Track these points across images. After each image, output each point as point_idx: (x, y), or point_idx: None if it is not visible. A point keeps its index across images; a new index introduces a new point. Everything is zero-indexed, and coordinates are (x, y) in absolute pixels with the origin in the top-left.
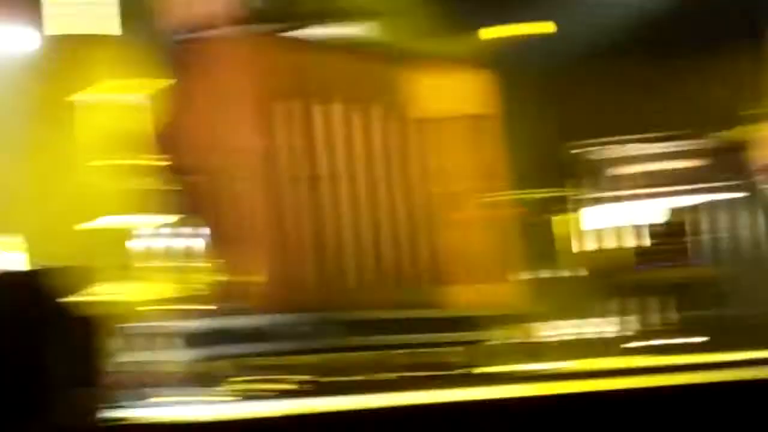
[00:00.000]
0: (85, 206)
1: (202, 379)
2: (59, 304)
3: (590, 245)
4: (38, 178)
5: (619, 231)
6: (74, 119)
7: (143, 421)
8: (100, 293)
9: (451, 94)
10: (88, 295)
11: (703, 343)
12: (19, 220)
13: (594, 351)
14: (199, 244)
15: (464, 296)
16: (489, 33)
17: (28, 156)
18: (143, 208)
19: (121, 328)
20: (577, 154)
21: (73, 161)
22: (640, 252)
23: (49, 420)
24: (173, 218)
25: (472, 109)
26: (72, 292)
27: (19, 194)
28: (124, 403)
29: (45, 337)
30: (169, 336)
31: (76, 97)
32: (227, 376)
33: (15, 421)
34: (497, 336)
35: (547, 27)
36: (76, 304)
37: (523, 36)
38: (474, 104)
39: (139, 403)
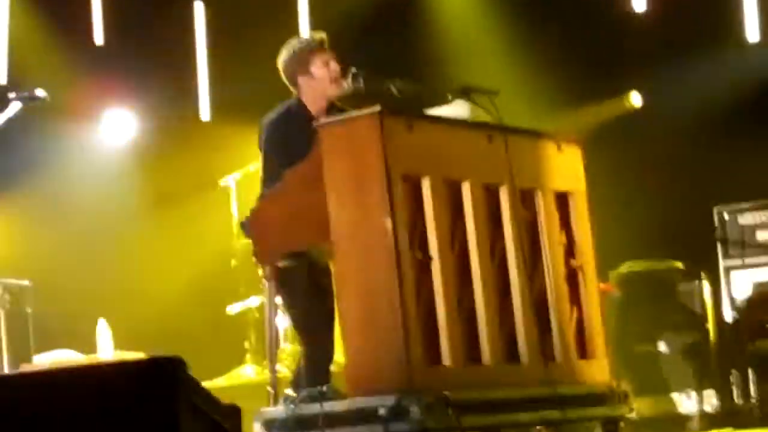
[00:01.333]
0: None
1: None
2: (193, 392)
3: (727, 315)
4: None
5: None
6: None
7: None
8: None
9: (569, 169)
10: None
11: None
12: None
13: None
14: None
15: (580, 373)
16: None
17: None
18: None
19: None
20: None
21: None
22: None
23: None
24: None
25: (580, 184)
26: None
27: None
28: None
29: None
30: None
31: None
32: None
33: None
34: (621, 411)
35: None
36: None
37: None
38: (580, 179)
39: None
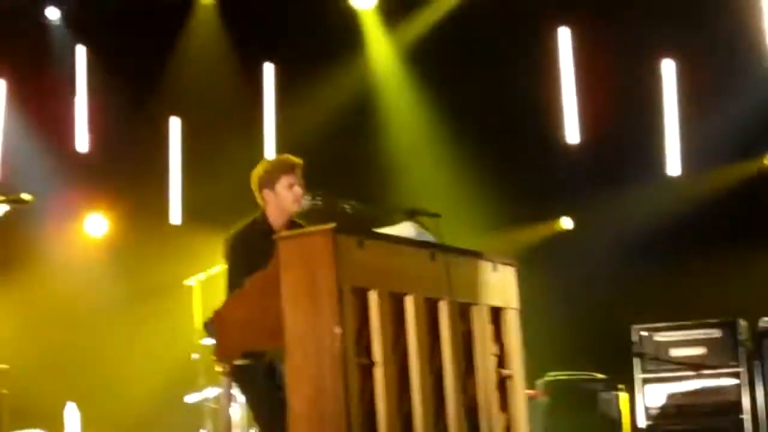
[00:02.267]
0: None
1: None
2: None
3: (641, 422)
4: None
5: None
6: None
7: None
8: None
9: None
10: None
11: None
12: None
13: None
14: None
15: None
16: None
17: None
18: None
19: None
20: (633, 335)
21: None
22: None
23: None
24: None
25: (513, 300)
26: None
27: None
28: None
29: None
30: None
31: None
32: None
33: None
34: None
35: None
36: None
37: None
38: (513, 296)
39: None
